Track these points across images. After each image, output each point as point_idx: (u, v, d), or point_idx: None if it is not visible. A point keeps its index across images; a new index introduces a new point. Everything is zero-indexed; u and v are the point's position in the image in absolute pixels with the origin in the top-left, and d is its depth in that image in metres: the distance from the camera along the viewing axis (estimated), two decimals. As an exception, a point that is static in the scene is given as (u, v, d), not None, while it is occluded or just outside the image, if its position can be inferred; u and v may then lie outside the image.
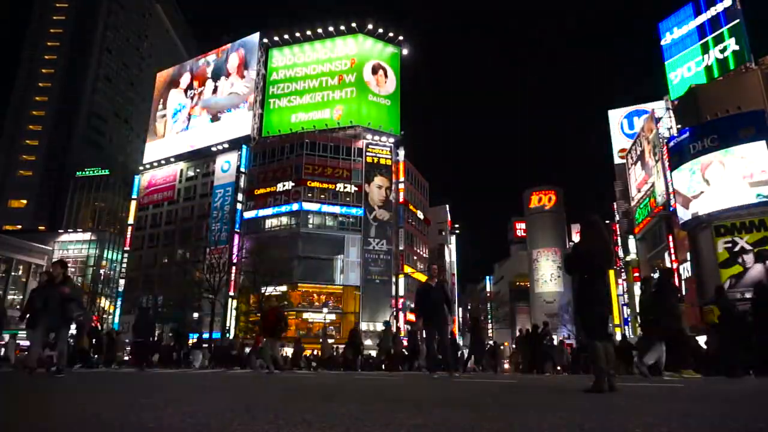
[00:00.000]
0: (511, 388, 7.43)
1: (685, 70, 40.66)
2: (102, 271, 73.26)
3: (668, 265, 36.92)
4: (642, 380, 8.90)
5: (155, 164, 66.00)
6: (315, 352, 33.69)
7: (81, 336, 16.95)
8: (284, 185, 53.63)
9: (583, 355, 18.42)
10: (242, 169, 56.14)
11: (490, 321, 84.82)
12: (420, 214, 62.83)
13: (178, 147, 64.42)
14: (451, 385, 7.52)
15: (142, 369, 15.15)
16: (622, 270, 52.70)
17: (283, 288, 44.67)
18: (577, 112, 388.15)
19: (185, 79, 67.79)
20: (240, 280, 48.98)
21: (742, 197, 29.20)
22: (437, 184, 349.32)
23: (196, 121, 64.38)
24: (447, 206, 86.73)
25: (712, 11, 38.52)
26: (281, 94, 60.65)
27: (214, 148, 60.36)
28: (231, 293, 49.35)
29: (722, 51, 37.84)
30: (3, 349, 25.14)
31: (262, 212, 54.16)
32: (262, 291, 41.18)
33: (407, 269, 54.51)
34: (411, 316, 53.32)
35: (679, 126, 37.46)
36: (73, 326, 11.56)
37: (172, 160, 64.34)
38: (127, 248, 64.30)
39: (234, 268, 48.73)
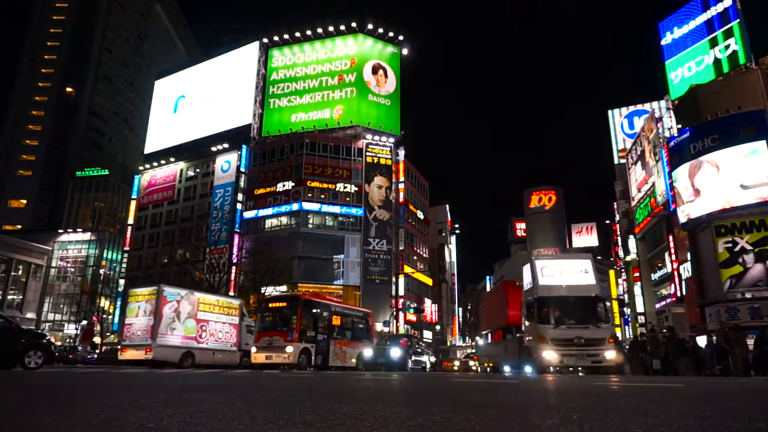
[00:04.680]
0: (512, 388, 7.43)
1: (685, 70, 40.63)
2: (102, 271, 73.19)
3: (668, 264, 36.95)
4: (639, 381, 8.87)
5: (155, 164, 66.02)
6: None
7: None
8: (284, 185, 53.60)
9: None
10: (242, 169, 56.12)
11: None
12: (420, 214, 62.80)
13: (178, 137, 64.43)
14: (451, 385, 7.51)
15: None
16: (622, 270, 52.70)
17: (283, 288, 44.62)
18: (577, 112, 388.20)
19: (185, 86, 67.96)
20: (240, 280, 48.95)
21: (734, 201, 29.20)
22: (437, 184, 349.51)
23: (194, 109, 64.62)
24: (447, 206, 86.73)
25: (720, 6, 38.45)
26: (281, 94, 60.61)
27: (214, 148, 60.39)
28: (231, 293, 49.32)
29: (722, 51, 37.85)
30: None
31: (262, 212, 54.14)
32: (262, 291, 41.11)
33: (407, 269, 54.48)
34: (412, 317, 53.34)
35: (679, 126, 37.44)
36: None
37: (172, 160, 64.35)
38: (127, 248, 64.27)
39: (234, 268, 48.70)
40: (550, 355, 15.36)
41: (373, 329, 25.70)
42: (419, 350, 23.08)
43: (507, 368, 20.94)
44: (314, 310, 20.12)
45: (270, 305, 21.15)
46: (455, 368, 35.97)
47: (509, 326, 21.17)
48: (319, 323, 19.93)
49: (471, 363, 35.88)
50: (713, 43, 38.36)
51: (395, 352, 19.35)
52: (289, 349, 18.13)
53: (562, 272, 16.90)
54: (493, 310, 24.50)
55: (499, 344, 23.43)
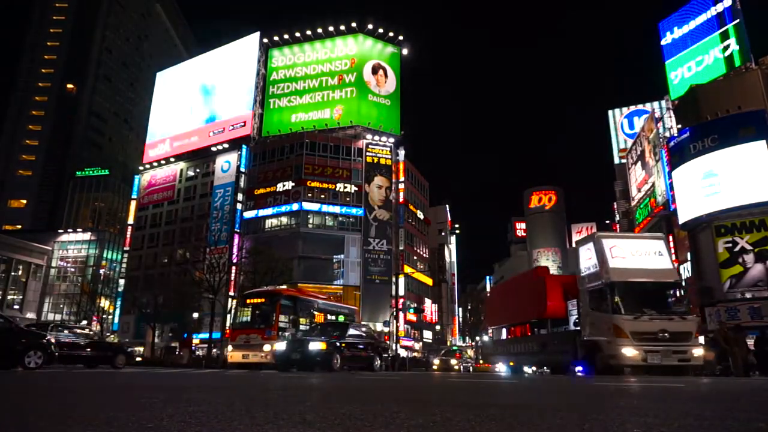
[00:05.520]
0: (512, 387, 7.44)
1: (685, 70, 40.65)
2: (102, 271, 73.16)
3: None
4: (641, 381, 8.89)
5: (155, 164, 66.02)
6: None
7: None
8: (284, 185, 53.63)
9: None
10: (242, 169, 56.14)
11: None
12: (420, 214, 62.82)
13: (179, 146, 64.51)
14: (451, 385, 7.52)
15: None
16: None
17: (283, 288, 44.64)
18: (577, 112, 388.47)
19: (187, 78, 67.93)
20: (240, 280, 48.94)
21: (735, 200, 29.18)
22: (437, 184, 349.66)
23: (197, 117, 64.56)
24: (447, 206, 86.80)
25: (720, 6, 38.37)
26: (281, 94, 60.64)
27: (214, 148, 60.39)
28: (231, 293, 49.31)
29: (723, 51, 37.85)
30: None
31: (262, 212, 54.17)
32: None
33: (407, 269, 54.48)
34: (412, 317, 53.32)
35: (679, 126, 37.46)
36: None
37: (172, 160, 64.38)
38: (127, 248, 64.31)
39: (234, 268, 48.69)
40: (630, 351, 12.99)
41: None
42: (361, 345, 16.41)
43: (579, 368, 17.39)
44: (295, 307, 18.82)
45: (248, 301, 19.99)
46: (435, 367, 32.09)
47: (544, 319, 18.29)
48: (300, 320, 18.62)
49: (453, 362, 31.94)
50: (718, 40, 38.34)
51: (314, 346, 14.49)
52: (267, 347, 16.78)
53: (633, 254, 14.66)
54: (519, 301, 21.06)
55: (527, 340, 20.37)
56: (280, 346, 15.26)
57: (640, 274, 14.20)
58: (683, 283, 15.60)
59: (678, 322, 13.43)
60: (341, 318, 22.41)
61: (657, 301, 14.03)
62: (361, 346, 16.29)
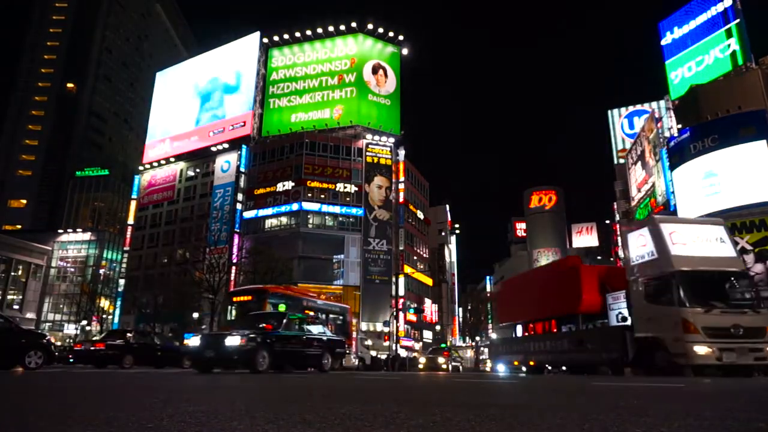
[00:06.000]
0: (512, 388, 7.44)
1: (685, 70, 40.66)
2: (102, 271, 73.15)
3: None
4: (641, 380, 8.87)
5: (155, 164, 66.02)
6: None
7: None
8: (284, 185, 53.62)
9: None
10: (242, 169, 56.13)
11: (490, 321, 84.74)
12: (420, 214, 62.80)
13: (178, 146, 64.52)
14: (451, 385, 7.51)
15: None
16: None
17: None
18: (577, 112, 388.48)
19: (187, 78, 67.90)
20: (240, 280, 48.92)
21: (735, 200, 29.18)
22: (437, 184, 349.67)
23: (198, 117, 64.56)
24: (447, 206, 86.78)
25: (720, 6, 38.33)
26: (281, 94, 60.63)
27: (214, 148, 60.38)
28: (231, 293, 49.29)
29: (723, 50, 37.86)
30: None
31: (262, 212, 54.15)
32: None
33: (407, 269, 54.46)
34: (412, 317, 53.27)
35: (679, 126, 37.46)
36: None
37: (172, 160, 64.37)
38: (126, 248, 64.30)
39: (234, 268, 48.66)
40: (702, 349, 11.67)
41: (351, 325, 24.46)
42: (304, 339, 13.39)
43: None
44: (283, 304, 18.25)
45: (234, 299, 19.82)
46: (420, 367, 29.09)
47: (575, 315, 16.86)
48: None
49: (440, 360, 29.66)
50: (718, 40, 38.36)
51: (231, 342, 11.65)
52: None
53: (695, 240, 13.38)
54: (542, 295, 19.07)
55: (553, 337, 18.48)
56: (194, 342, 13.12)
57: (704, 263, 12.92)
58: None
59: (752, 317, 12.13)
60: (332, 316, 22.12)
61: (723, 292, 12.72)
62: (302, 340, 13.32)
